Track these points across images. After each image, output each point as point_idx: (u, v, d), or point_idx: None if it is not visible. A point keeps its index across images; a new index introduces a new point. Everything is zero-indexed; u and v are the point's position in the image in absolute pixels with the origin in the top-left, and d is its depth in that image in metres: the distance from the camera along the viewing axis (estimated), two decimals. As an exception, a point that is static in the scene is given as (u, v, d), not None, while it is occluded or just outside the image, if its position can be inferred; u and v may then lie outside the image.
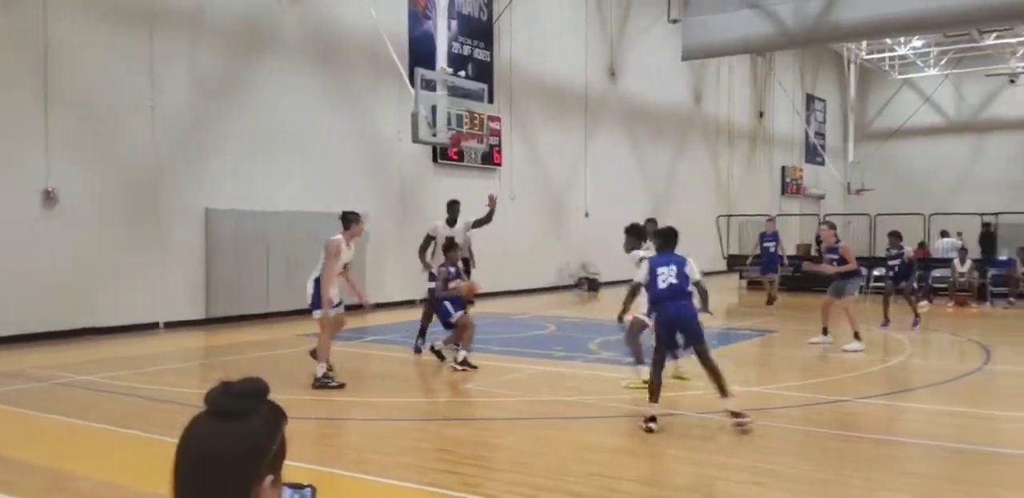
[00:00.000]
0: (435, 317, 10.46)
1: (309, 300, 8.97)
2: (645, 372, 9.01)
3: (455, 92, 14.17)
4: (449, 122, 13.89)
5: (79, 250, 12.53)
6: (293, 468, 5.58)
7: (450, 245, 10.38)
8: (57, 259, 12.26)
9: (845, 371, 10.07)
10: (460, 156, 18.79)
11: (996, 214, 23.43)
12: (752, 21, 19.49)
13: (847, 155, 39.75)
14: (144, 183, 13.36)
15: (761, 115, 34.09)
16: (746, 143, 33.20)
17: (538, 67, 21.60)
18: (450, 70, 14.54)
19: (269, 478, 1.50)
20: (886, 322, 14.28)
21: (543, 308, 17.78)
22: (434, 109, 13.61)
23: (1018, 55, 34.21)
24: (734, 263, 24.23)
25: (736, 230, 26.39)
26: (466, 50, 19.26)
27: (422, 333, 10.91)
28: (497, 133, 19.47)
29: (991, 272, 19.41)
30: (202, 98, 14.18)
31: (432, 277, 10.57)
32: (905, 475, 5.70)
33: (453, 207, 11.29)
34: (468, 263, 11.54)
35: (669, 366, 9.39)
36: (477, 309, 11.17)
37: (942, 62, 36.78)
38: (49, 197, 12.16)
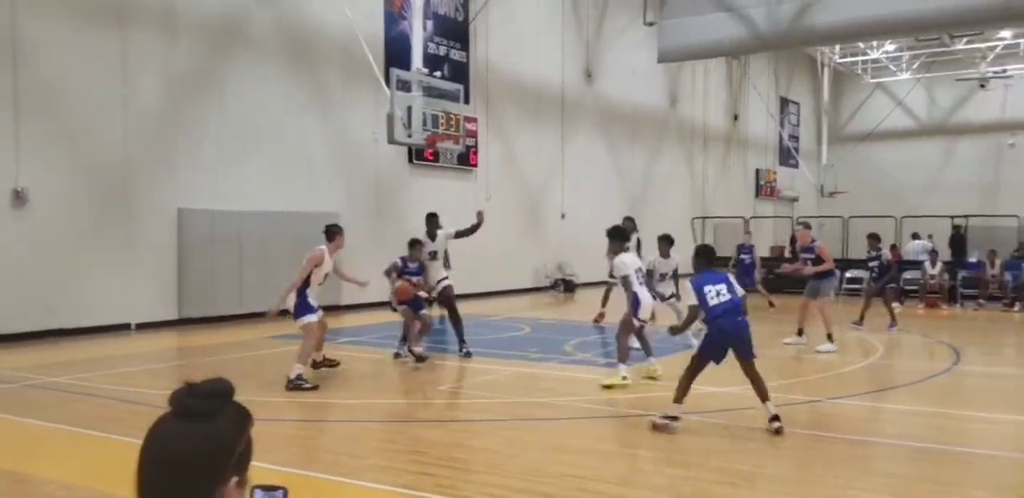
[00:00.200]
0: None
1: (293, 309, 8.96)
2: (624, 370, 9.10)
3: (431, 93, 14.13)
4: (425, 123, 13.85)
5: (49, 250, 12.38)
6: (266, 470, 5.56)
7: (414, 243, 10.55)
8: (26, 259, 12.11)
9: (818, 372, 10.15)
10: (436, 157, 18.75)
11: (966, 217, 23.73)
12: (727, 24, 19.61)
13: (820, 158, 40.04)
14: (115, 183, 13.22)
15: (736, 118, 34.30)
16: (721, 145, 33.39)
17: (514, 68, 21.61)
18: (426, 70, 14.50)
19: (234, 479, 1.48)
20: (860, 322, 14.40)
21: (519, 310, 17.79)
22: (409, 110, 13.56)
23: (988, 60, 34.63)
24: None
25: (711, 232, 26.53)
26: (442, 50, 19.22)
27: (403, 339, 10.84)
28: (473, 134, 19.43)
29: (961, 274, 19.64)
30: (175, 97, 14.06)
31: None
32: (877, 475, 5.74)
33: (431, 220, 11.13)
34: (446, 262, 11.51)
35: (642, 367, 9.46)
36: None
37: (914, 66, 37.18)
38: (18, 197, 12.01)
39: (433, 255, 10.82)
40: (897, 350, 12.59)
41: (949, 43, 32.24)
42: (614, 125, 26.04)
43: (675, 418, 6.83)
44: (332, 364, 9.60)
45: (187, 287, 14.20)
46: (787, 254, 25.23)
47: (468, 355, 10.70)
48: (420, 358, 10.17)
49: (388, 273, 10.48)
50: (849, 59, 36.99)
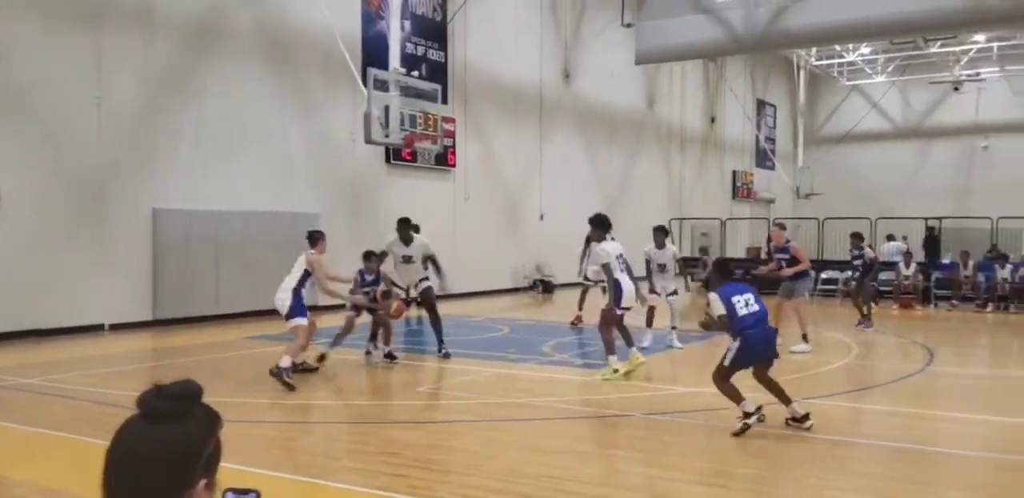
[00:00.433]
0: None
1: (285, 311, 9.08)
2: (617, 362, 9.16)
3: (408, 92, 14.10)
4: (402, 123, 13.82)
5: (22, 251, 12.24)
6: (240, 472, 5.51)
7: (368, 255, 10.51)
8: (-2, 259, 11.98)
9: (793, 372, 10.18)
10: (413, 157, 18.71)
11: (940, 218, 23.95)
12: (704, 26, 19.72)
13: (797, 160, 40.38)
14: (90, 183, 13.09)
15: (713, 120, 34.47)
16: (698, 147, 33.54)
17: (493, 68, 21.60)
18: (403, 70, 14.46)
19: (203, 481, 1.46)
20: (868, 322, 14.62)
21: (497, 310, 17.78)
22: (387, 109, 13.52)
23: (961, 63, 35.01)
24: (685, 266, 24.44)
25: (688, 233, 26.65)
26: (420, 50, 19.18)
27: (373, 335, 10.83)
28: (451, 134, 19.41)
29: (935, 275, 19.83)
30: (152, 97, 13.94)
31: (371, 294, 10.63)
32: (853, 474, 5.78)
33: (404, 225, 11.03)
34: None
35: (626, 362, 9.50)
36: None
37: (889, 69, 37.52)
38: (-10, 196, 11.88)
39: (407, 259, 10.79)
40: (872, 350, 12.68)
41: (923, 46, 32.58)
42: (592, 126, 26.09)
43: (749, 415, 6.73)
44: (310, 369, 9.57)
45: (162, 287, 14.08)
46: (763, 255, 25.40)
47: (447, 356, 10.68)
48: (391, 356, 10.32)
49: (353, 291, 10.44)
50: (825, 62, 37.29)
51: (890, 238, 24.26)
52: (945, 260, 21.70)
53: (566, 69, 24.67)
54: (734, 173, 35.92)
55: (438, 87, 15.15)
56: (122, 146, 13.49)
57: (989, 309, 18.41)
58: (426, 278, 11.01)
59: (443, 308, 15.45)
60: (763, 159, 38.35)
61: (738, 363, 6.91)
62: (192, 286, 14.41)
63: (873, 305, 15.67)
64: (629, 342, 9.69)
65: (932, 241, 22.68)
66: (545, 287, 22.50)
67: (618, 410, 7.91)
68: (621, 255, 9.49)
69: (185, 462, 1.45)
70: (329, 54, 16.12)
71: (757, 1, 19.05)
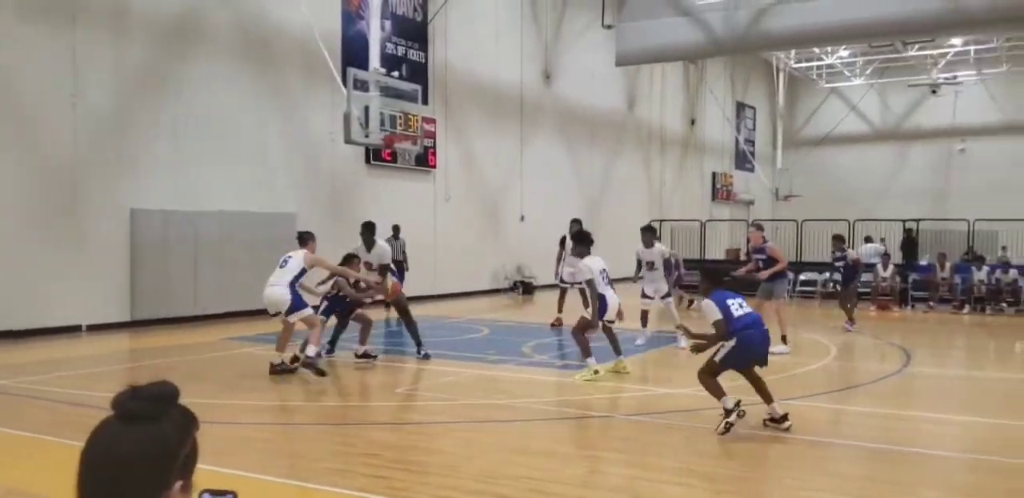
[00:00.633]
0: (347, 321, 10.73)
1: (286, 306, 9.37)
2: (595, 364, 9.20)
3: (388, 93, 14.06)
4: (382, 123, 13.78)
5: (-4, 250, 12.12)
6: (218, 473, 5.46)
7: (349, 258, 10.58)
8: (-28, 259, 11.84)
9: (771, 373, 10.20)
10: (393, 157, 18.66)
11: (917, 221, 24.15)
12: (684, 28, 19.80)
13: (776, 162, 40.61)
14: (65, 183, 12.96)
15: (693, 122, 34.61)
16: (678, 149, 33.67)
17: (473, 69, 21.58)
18: (383, 70, 14.43)
19: (179, 483, 1.45)
20: (851, 322, 14.80)
21: (477, 311, 17.75)
22: (367, 110, 13.49)
23: (939, 66, 35.34)
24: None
25: (668, 234, 26.71)
26: (400, 51, 19.14)
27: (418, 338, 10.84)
28: (432, 135, 19.39)
29: (912, 277, 19.99)
30: (128, 95, 13.83)
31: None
32: (829, 475, 5.81)
33: (365, 230, 11.06)
34: (402, 266, 11.47)
35: (611, 363, 9.54)
36: (412, 312, 11.09)
37: (867, 72, 37.82)
38: (-36, 195, 11.74)
39: (368, 266, 10.78)
40: (850, 352, 12.77)
41: (901, 49, 32.87)
42: (573, 127, 26.13)
43: (730, 412, 6.73)
44: (288, 369, 9.54)
45: (140, 288, 13.97)
46: (743, 256, 25.51)
47: (426, 357, 10.65)
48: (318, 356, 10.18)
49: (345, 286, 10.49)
50: (804, 64, 37.53)
51: (868, 240, 24.42)
52: (922, 262, 21.88)
53: (547, 70, 24.69)
54: (714, 175, 36.08)
55: (418, 87, 15.13)
56: (99, 146, 13.38)
57: (966, 311, 18.57)
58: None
59: (423, 309, 15.48)
60: (743, 161, 38.55)
61: (729, 362, 6.90)
62: (170, 287, 14.31)
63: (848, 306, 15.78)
64: (616, 350, 9.74)
65: (910, 243, 22.85)
66: (525, 288, 22.51)
67: (598, 411, 7.92)
68: (604, 270, 9.57)
69: (161, 464, 1.43)
70: (309, 54, 16.06)
71: (737, 3, 19.14)
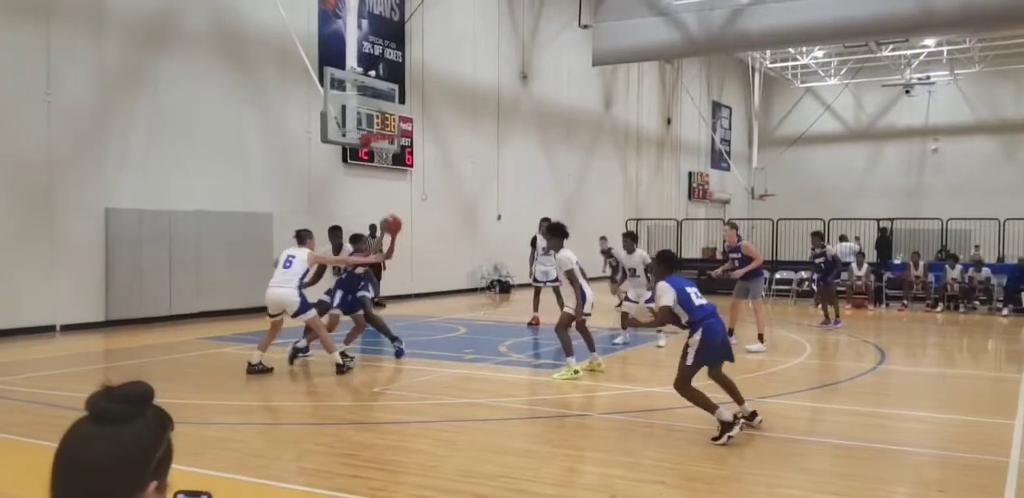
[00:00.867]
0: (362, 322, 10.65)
1: (295, 309, 9.48)
2: (575, 363, 9.23)
3: (365, 92, 14.03)
4: (359, 122, 13.73)
5: (-33, 250, 11.97)
6: (193, 474, 5.42)
7: (356, 238, 10.78)
8: (-57, 259, 11.69)
9: (748, 371, 10.31)
10: (370, 157, 18.61)
11: (891, 220, 24.38)
12: (660, 29, 19.89)
13: (751, 161, 40.86)
14: (39, 181, 12.83)
15: (669, 121, 34.76)
16: (654, 148, 33.80)
17: (451, 68, 21.57)
18: (360, 70, 14.38)
19: (153, 484, 1.44)
20: (826, 321, 15.09)
21: (454, 311, 17.74)
22: (344, 109, 13.44)
23: (912, 67, 35.70)
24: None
25: (644, 233, 26.82)
26: (377, 50, 19.09)
27: (390, 337, 10.75)
28: (409, 134, 19.33)
29: (886, 275, 20.18)
30: (103, 93, 13.70)
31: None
32: (802, 472, 5.86)
33: (335, 234, 11.01)
34: (379, 267, 11.44)
35: (586, 361, 9.57)
36: (388, 311, 11.07)
37: (842, 72, 38.13)
38: (-66, 194, 11.59)
39: (336, 270, 10.75)
40: (825, 350, 12.89)
41: (875, 50, 33.17)
42: (549, 127, 26.16)
43: (731, 425, 6.46)
44: (266, 370, 9.52)
45: (115, 288, 13.85)
46: (719, 255, 25.67)
47: (400, 353, 10.61)
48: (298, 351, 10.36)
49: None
50: (780, 64, 37.79)
51: (843, 239, 24.64)
52: (896, 261, 22.09)
53: (523, 70, 24.71)
54: (690, 174, 36.25)
55: (395, 87, 15.11)
56: (73, 144, 13.25)
57: (939, 309, 18.77)
58: (363, 287, 10.84)
59: (400, 308, 15.46)
60: (718, 160, 38.76)
61: (700, 359, 6.70)
62: (145, 286, 14.20)
63: (823, 306, 15.93)
64: (591, 346, 9.79)
65: (884, 242, 23.07)
66: (502, 287, 22.52)
67: (576, 410, 7.95)
68: (577, 262, 9.59)
69: (135, 465, 1.43)
70: (285, 52, 16.00)
71: (712, 4, 19.25)
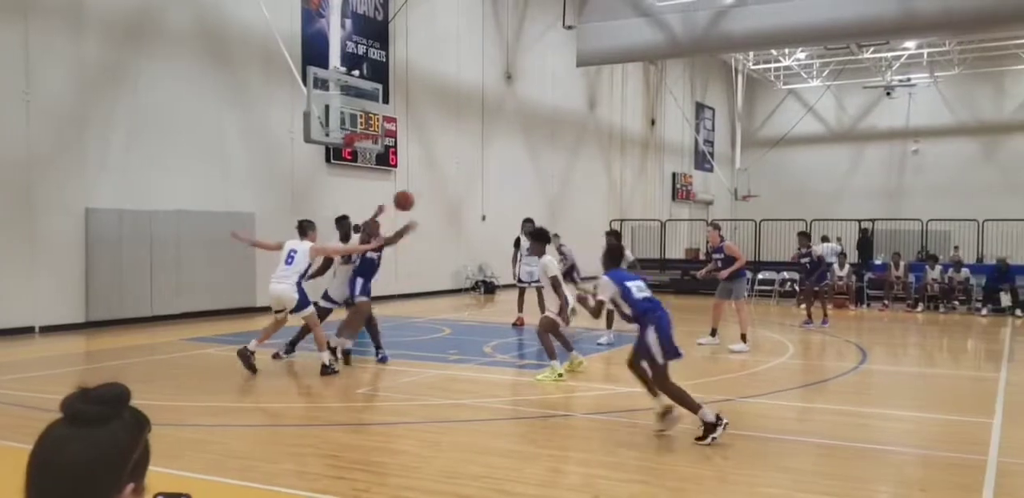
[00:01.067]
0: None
1: (293, 304, 9.51)
2: (559, 366, 9.24)
3: (349, 92, 13.99)
4: (343, 122, 13.70)
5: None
6: (173, 476, 5.36)
7: (358, 227, 10.73)
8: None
9: (731, 371, 10.37)
10: (354, 156, 18.56)
11: (872, 220, 24.54)
12: (644, 30, 19.95)
13: (734, 162, 41.03)
14: (18, 181, 12.71)
15: (653, 122, 34.84)
16: (638, 149, 33.87)
17: (435, 68, 21.54)
18: (343, 69, 14.34)
19: (130, 486, 1.43)
20: (809, 321, 15.15)
21: (439, 311, 17.72)
22: (327, 108, 13.40)
23: (893, 69, 35.94)
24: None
25: (628, 234, 26.88)
26: (361, 49, 19.04)
27: (377, 344, 10.62)
28: (393, 134, 19.29)
29: (867, 276, 20.30)
30: (83, 92, 13.59)
31: (325, 295, 10.79)
32: (785, 471, 5.89)
33: (342, 224, 10.95)
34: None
35: (565, 362, 9.58)
36: (373, 312, 11.03)
37: (824, 74, 38.34)
38: (-88, 194, 11.46)
39: (346, 259, 10.65)
40: (807, 350, 12.95)
41: (857, 52, 33.37)
42: (534, 128, 26.17)
43: (714, 426, 6.44)
44: (251, 365, 9.55)
45: (95, 289, 13.74)
46: (702, 256, 25.77)
47: (384, 360, 10.56)
48: (346, 357, 10.35)
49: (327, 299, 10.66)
50: (762, 66, 37.95)
51: (824, 239, 24.77)
52: (877, 261, 22.23)
53: (508, 70, 24.70)
54: (674, 175, 36.35)
55: (379, 86, 15.07)
56: (53, 143, 13.14)
57: (919, 309, 18.91)
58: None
59: (385, 309, 15.40)
60: (702, 161, 38.88)
61: (666, 353, 6.66)
62: (126, 287, 14.10)
63: (807, 305, 16.02)
64: (568, 346, 9.83)
65: (865, 242, 23.22)
66: (487, 288, 22.50)
67: (559, 410, 7.95)
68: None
69: (111, 466, 1.41)
70: (268, 51, 15.93)
71: (696, 5, 19.32)
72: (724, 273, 12.16)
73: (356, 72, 14.93)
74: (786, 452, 6.48)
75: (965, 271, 19.05)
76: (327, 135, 13.51)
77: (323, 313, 10.56)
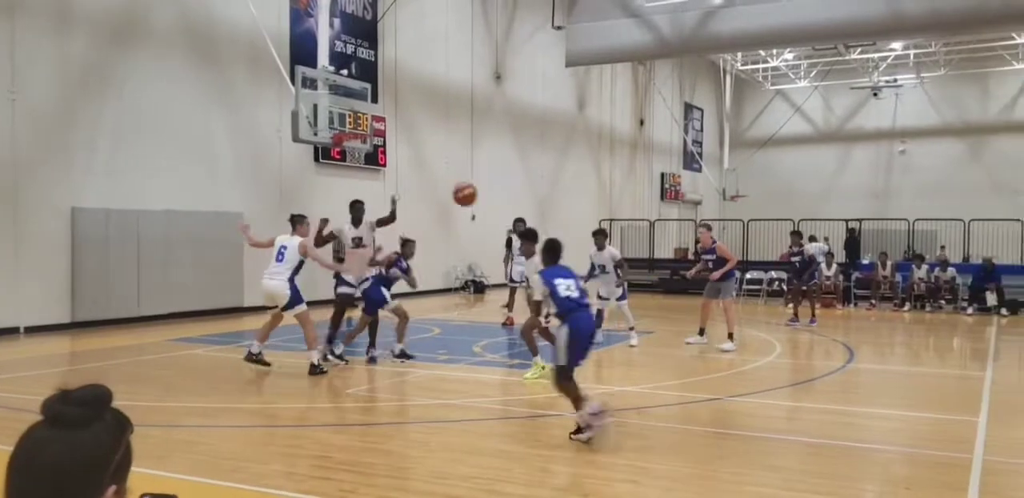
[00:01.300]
0: (341, 319, 10.72)
1: (286, 300, 9.44)
2: (543, 361, 9.22)
3: (337, 91, 13.96)
4: (331, 121, 13.68)
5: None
6: (160, 477, 5.34)
7: (406, 242, 10.87)
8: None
9: (719, 370, 10.39)
10: (343, 156, 18.52)
11: (860, 220, 24.64)
12: (633, 30, 19.97)
13: (723, 162, 41.15)
14: (3, 180, 12.61)
15: (642, 122, 34.90)
16: (627, 149, 33.92)
17: (424, 68, 21.52)
18: (332, 68, 14.32)
19: (112, 488, 1.42)
20: (795, 319, 15.26)
21: (429, 311, 17.68)
22: (315, 108, 13.38)
23: (880, 69, 36.11)
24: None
25: (617, 234, 26.92)
26: (349, 49, 19.01)
27: (330, 340, 10.55)
28: (381, 133, 19.27)
29: (855, 275, 20.38)
30: (70, 91, 13.51)
31: (340, 281, 10.73)
32: (771, 469, 5.90)
33: (356, 207, 10.90)
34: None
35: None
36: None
37: (811, 74, 38.50)
38: None
39: (357, 242, 10.63)
40: (795, 349, 12.99)
41: (844, 53, 33.52)
42: (523, 128, 26.17)
43: (581, 430, 6.48)
44: (264, 362, 9.64)
45: (81, 289, 13.67)
46: (690, 256, 25.83)
47: (373, 360, 10.55)
48: (408, 355, 10.46)
49: (340, 282, 10.64)
50: (750, 66, 38.08)
51: (812, 239, 24.86)
52: (864, 261, 22.32)
53: (497, 70, 24.70)
54: (662, 175, 36.41)
55: (368, 86, 15.05)
56: (39, 143, 13.06)
57: (906, 308, 18.99)
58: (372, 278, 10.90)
59: (373, 309, 15.33)
60: (690, 161, 38.97)
61: (573, 353, 6.58)
62: (112, 287, 14.03)
63: (794, 304, 16.08)
64: (535, 351, 9.65)
65: (852, 242, 23.32)
66: (477, 288, 22.49)
67: (548, 410, 7.95)
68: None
69: (92, 469, 1.40)
70: (256, 51, 15.87)
71: (684, 6, 19.36)
72: (716, 275, 12.18)
73: (345, 71, 14.93)
74: (774, 451, 6.50)
75: (951, 270, 19.14)
76: (316, 135, 13.49)
77: (348, 300, 10.57)
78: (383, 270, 10.56)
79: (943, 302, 19.08)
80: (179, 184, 15.18)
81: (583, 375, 9.78)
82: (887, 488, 5.69)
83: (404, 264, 10.67)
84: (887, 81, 36.32)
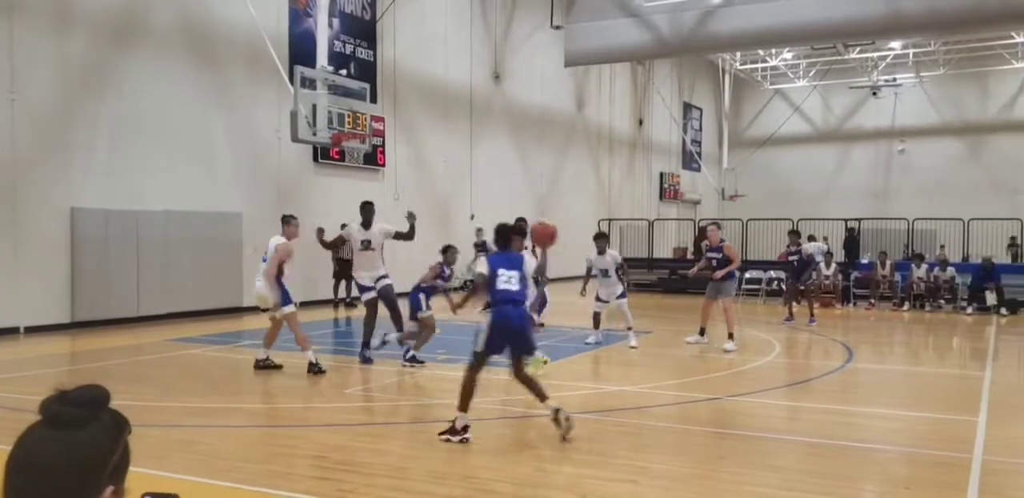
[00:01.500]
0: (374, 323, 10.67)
1: (272, 301, 9.47)
2: (540, 354, 9.23)
3: (336, 91, 13.96)
4: (330, 121, 13.67)
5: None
6: (159, 477, 5.34)
7: (447, 248, 10.93)
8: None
9: (718, 370, 10.38)
10: (342, 156, 18.52)
11: (859, 220, 24.63)
12: (632, 30, 19.98)
13: (722, 162, 41.14)
14: (3, 181, 12.61)
15: (641, 122, 34.89)
16: (626, 149, 33.92)
17: (422, 68, 21.51)
18: (331, 68, 14.31)
19: (110, 489, 1.41)
20: (790, 318, 15.26)
21: (425, 311, 17.67)
22: (314, 108, 13.37)
23: (879, 69, 36.10)
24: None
25: (616, 234, 26.90)
26: (348, 49, 19.00)
27: (366, 344, 10.52)
28: (380, 133, 19.27)
29: (854, 275, 20.37)
30: (69, 91, 13.51)
31: (362, 289, 10.72)
32: (770, 469, 5.90)
33: (367, 209, 10.86)
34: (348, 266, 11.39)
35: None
36: (361, 311, 11.03)
37: (810, 74, 38.50)
38: None
39: (366, 244, 10.59)
40: (794, 348, 12.99)
41: (843, 52, 33.51)
42: (522, 127, 26.17)
43: (466, 428, 6.47)
44: (275, 365, 9.67)
45: (81, 289, 13.66)
46: (689, 255, 25.82)
47: (368, 360, 10.52)
48: (418, 361, 10.28)
49: (361, 290, 10.66)
50: (749, 66, 38.08)
51: (811, 238, 24.86)
52: (864, 260, 22.31)
53: (496, 70, 24.70)
54: (661, 175, 36.42)
55: (367, 86, 15.04)
56: (38, 143, 13.06)
57: (905, 308, 18.99)
58: (385, 275, 10.87)
59: (371, 309, 15.33)
60: (689, 161, 38.97)
61: (491, 345, 6.60)
62: (112, 287, 14.02)
63: (795, 304, 16.09)
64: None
65: (851, 241, 23.31)
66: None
67: (546, 409, 7.93)
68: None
69: (90, 469, 1.40)
70: (255, 51, 15.87)
71: (683, 6, 19.36)
72: (719, 274, 12.15)
73: (344, 71, 14.93)
74: (773, 450, 6.49)
75: (951, 270, 19.14)
76: (315, 135, 13.49)
77: (376, 301, 10.49)
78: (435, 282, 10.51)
79: (942, 302, 19.08)
80: (178, 184, 15.17)
81: (582, 374, 9.80)
82: (887, 488, 5.68)
83: (447, 272, 10.60)
84: (886, 80, 36.31)
